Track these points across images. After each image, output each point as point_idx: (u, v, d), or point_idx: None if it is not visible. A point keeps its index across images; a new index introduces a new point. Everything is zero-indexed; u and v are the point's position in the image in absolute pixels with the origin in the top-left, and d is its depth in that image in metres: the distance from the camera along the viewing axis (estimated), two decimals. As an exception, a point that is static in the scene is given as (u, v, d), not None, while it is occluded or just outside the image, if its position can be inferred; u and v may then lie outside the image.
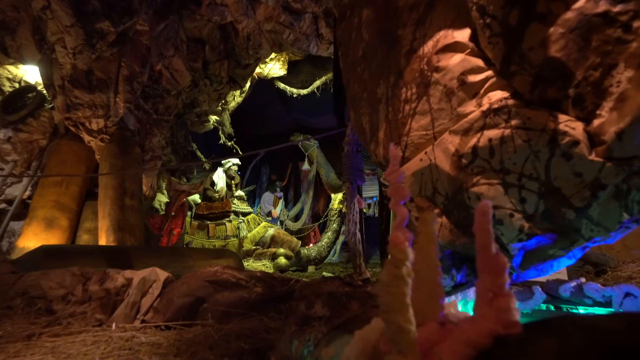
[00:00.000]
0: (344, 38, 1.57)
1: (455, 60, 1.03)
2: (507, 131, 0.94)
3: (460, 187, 1.03)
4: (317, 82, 7.48)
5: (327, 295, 1.05)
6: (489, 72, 1.00)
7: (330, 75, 7.57)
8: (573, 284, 1.72)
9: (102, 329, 1.75)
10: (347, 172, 2.20)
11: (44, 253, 2.60)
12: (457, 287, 1.26)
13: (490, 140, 0.97)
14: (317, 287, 1.18)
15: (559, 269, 1.13)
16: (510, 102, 0.94)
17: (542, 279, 1.94)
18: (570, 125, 0.87)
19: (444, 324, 0.63)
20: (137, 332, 1.72)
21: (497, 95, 0.98)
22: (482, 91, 1.01)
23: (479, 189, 1.00)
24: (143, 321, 1.84)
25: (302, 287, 1.23)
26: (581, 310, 1.70)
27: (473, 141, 0.99)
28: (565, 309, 1.84)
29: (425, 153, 1.10)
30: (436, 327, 0.61)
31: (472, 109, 1.02)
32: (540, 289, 1.72)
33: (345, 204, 7.53)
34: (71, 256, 2.68)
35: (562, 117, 0.90)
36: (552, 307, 1.91)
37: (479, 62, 1.01)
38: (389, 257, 0.55)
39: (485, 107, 0.98)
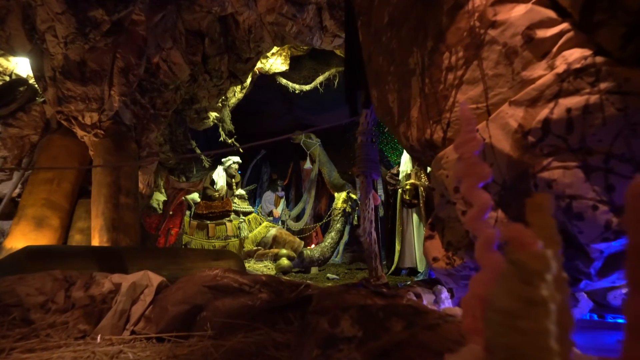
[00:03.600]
0: (365, 5, 1.35)
1: (518, 11, 0.81)
2: (594, 97, 0.72)
3: (524, 173, 0.82)
4: (320, 78, 7.28)
5: (356, 309, 0.83)
6: (564, 25, 0.79)
7: (333, 70, 7.37)
8: (625, 290, 1.50)
9: (85, 341, 1.53)
10: (362, 164, 1.98)
11: (28, 254, 2.38)
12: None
13: (568, 110, 0.75)
14: (340, 297, 0.96)
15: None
16: (599, 59, 0.73)
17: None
18: (686, 87, 0.66)
19: (574, 371, 0.42)
20: (125, 345, 1.50)
21: (576, 53, 0.77)
22: (554, 49, 0.79)
23: (551, 174, 0.78)
24: (133, 332, 1.62)
25: (320, 296, 1.01)
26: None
27: (544, 113, 0.78)
28: (612, 319, 1.62)
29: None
30: (569, 379, 0.39)
31: (541, 73, 0.80)
32: (586, 296, 1.51)
33: (349, 203, 7.33)
34: (58, 258, 2.46)
35: (672, 78, 0.68)
36: (595, 316, 1.70)
37: (550, 13, 0.80)
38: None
39: (561, 68, 0.77)
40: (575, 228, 0.78)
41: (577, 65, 0.75)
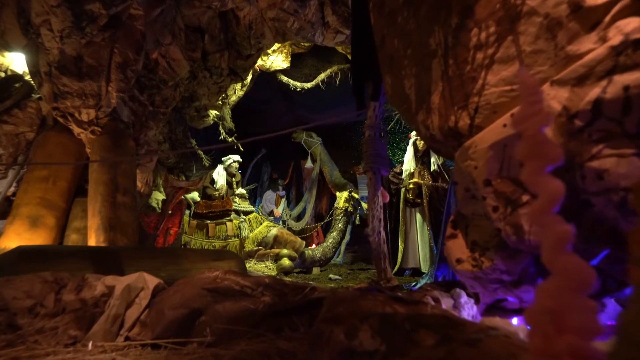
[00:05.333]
0: (378, -15, 1.25)
1: (563, -23, 0.71)
2: (659, 72, 0.62)
3: (569, 162, 0.71)
4: (322, 75, 7.18)
5: (376, 318, 0.73)
6: (619, -9, 0.68)
7: (335, 68, 7.26)
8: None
9: (75, 348, 1.43)
10: (370, 159, 1.88)
11: (20, 255, 2.28)
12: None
13: (626, 88, 0.65)
14: (355, 303, 0.85)
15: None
16: (664, 27, 0.62)
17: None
18: None
19: None
20: (118, 352, 1.40)
21: (634, 22, 0.66)
22: (607, 19, 0.69)
23: (602, 163, 0.68)
24: (127, 338, 1.52)
25: (332, 302, 0.90)
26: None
27: (594, 92, 0.67)
28: None
29: (512, 115, 0.78)
30: None
31: (591, 46, 0.70)
32: (613, 300, 1.40)
33: (351, 202, 7.23)
34: (52, 258, 2.36)
35: None
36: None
37: (601, -22, 0.70)
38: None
39: (616, 40, 0.66)
40: (630, 226, 0.68)
41: (637, 36, 0.65)
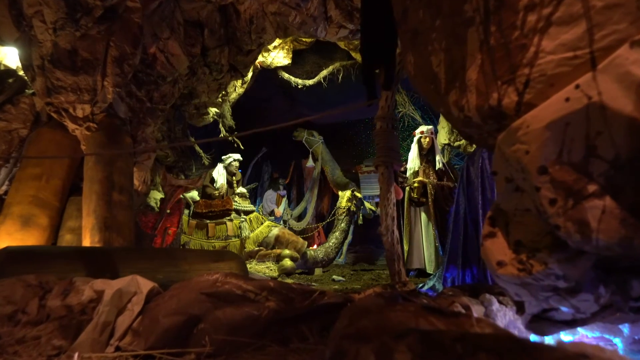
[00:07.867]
0: (398, -49, 1.11)
1: None
2: None
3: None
4: (324, 72, 7.05)
5: (416, 336, 0.58)
6: None
7: (337, 64, 7.13)
8: None
9: (59, 360, 1.29)
10: (382, 153, 1.74)
11: (7, 256, 2.14)
12: (598, 314, 0.80)
13: None
14: (382, 316, 0.71)
15: None
16: None
17: None
18: None
19: None
20: (106, 366, 1.26)
21: None
22: None
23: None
24: (118, 348, 1.38)
25: (352, 313, 0.76)
26: None
27: (693, 53, 0.53)
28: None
29: (577, 87, 0.64)
30: None
31: (686, -4, 0.56)
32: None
33: (353, 202, 7.09)
34: (42, 260, 2.22)
35: None
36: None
37: None
38: None
39: None
40: None
41: None
